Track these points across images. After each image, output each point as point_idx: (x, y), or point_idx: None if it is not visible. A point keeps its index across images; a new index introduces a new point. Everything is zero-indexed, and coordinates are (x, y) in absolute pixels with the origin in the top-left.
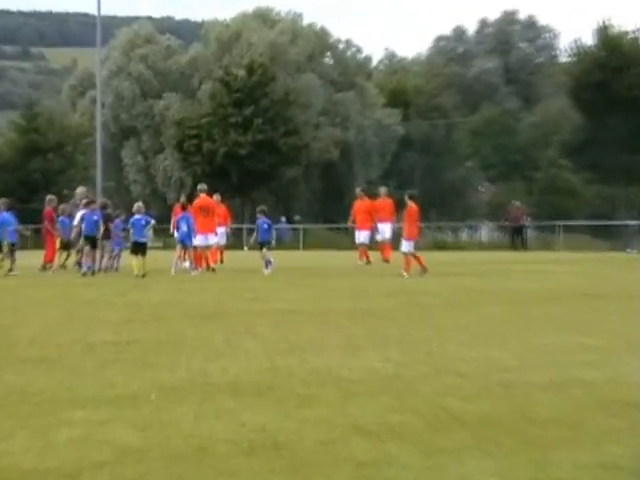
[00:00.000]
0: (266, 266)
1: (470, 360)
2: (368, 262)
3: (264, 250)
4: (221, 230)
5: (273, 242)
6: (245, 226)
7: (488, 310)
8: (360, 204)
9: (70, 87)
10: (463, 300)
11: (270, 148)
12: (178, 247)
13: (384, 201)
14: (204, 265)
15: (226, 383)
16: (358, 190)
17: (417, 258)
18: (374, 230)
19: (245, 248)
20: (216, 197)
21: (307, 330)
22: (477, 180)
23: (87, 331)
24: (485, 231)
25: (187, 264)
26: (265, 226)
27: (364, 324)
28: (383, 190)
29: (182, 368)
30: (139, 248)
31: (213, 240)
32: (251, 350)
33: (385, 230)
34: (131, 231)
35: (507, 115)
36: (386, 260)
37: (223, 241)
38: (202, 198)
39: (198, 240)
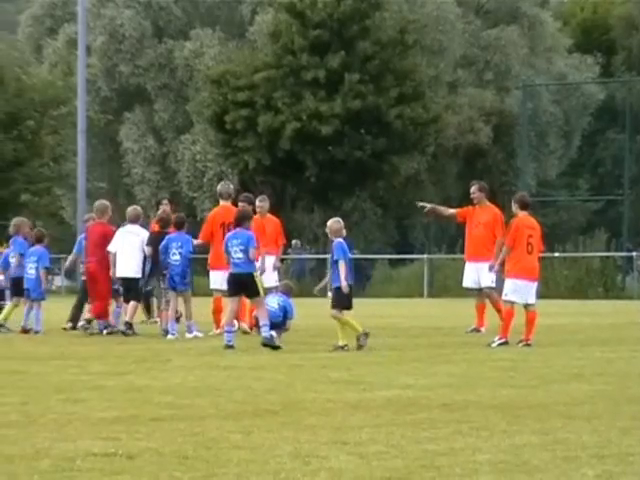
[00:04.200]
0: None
1: None
2: None
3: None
4: (270, 260)
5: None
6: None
7: None
8: None
9: (32, 19)
10: None
11: (373, 124)
12: (171, 295)
13: None
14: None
15: None
16: None
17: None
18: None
19: (329, 294)
20: (261, 202)
21: (438, 436)
22: None
23: (58, 435)
24: None
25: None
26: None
27: (538, 426)
28: None
29: None
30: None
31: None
32: (342, 473)
33: None
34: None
35: None
36: None
37: (274, 281)
38: (224, 208)
39: (216, 280)
